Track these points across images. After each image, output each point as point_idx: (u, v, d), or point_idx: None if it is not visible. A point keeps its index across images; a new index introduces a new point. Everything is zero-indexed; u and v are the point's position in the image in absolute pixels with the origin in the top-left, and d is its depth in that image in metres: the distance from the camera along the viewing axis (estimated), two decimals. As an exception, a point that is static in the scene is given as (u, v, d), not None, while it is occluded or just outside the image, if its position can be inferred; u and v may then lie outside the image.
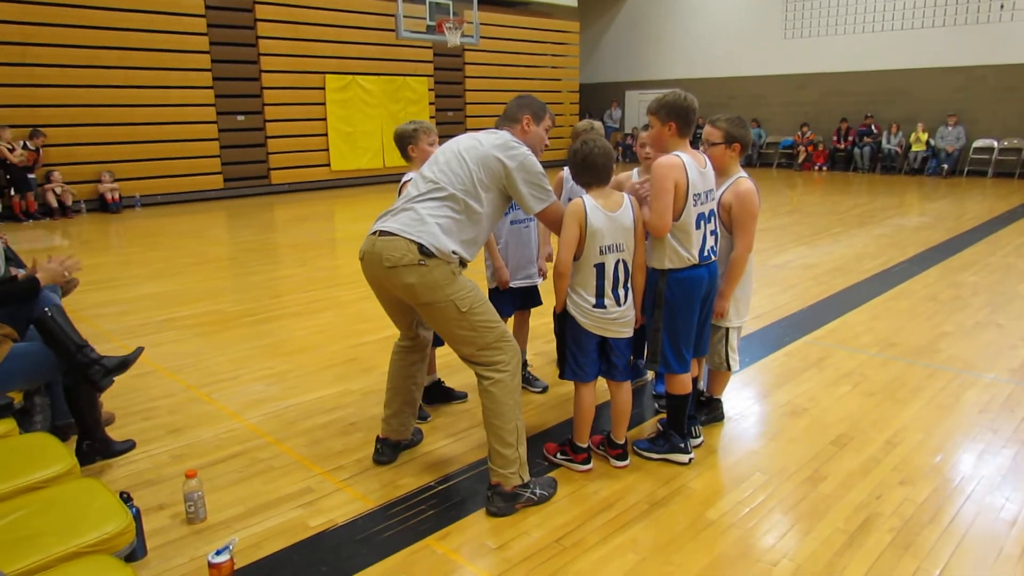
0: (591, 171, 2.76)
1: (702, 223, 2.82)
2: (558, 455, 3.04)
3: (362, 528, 2.60)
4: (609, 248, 2.74)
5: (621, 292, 2.81)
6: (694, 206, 2.76)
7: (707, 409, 3.43)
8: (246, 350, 4.59)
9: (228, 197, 12.45)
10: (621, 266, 2.78)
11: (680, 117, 2.76)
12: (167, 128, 11.52)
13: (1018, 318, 5.00)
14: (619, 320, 2.84)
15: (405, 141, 3.39)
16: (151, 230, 9.42)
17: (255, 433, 3.40)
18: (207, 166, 12.11)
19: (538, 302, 3.71)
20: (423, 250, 2.52)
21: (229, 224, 10.07)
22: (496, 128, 2.83)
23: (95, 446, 3.08)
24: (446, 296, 2.55)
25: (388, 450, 3.07)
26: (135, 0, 10.90)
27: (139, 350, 3.17)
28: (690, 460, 3.02)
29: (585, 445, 2.98)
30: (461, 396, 3.71)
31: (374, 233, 2.66)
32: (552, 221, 2.78)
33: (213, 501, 2.76)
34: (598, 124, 3.56)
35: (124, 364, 3.08)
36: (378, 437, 3.09)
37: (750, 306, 3.30)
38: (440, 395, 3.69)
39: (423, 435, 3.30)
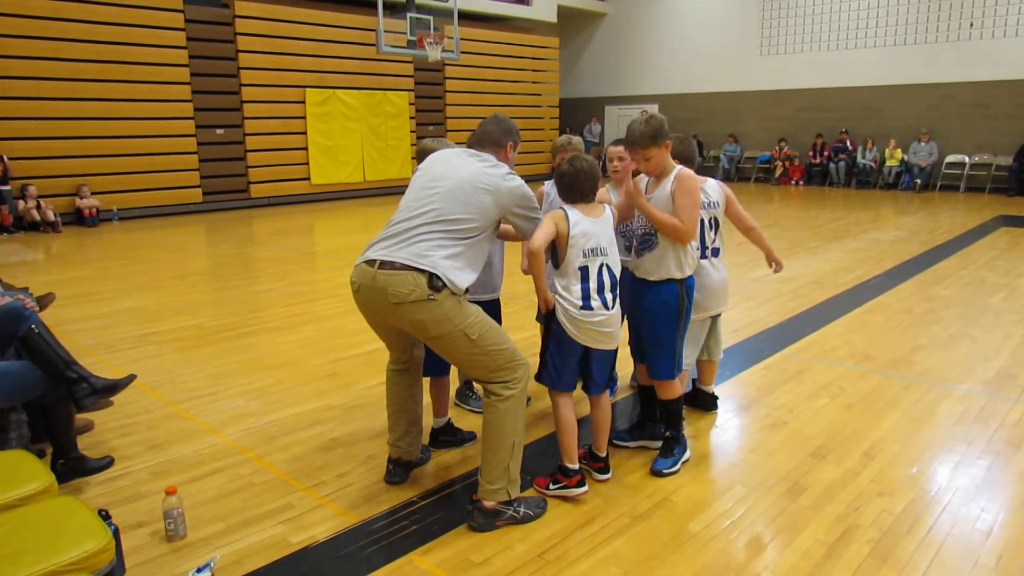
0: (578, 190, 2.82)
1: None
2: (550, 486, 2.91)
3: (344, 544, 2.58)
4: (593, 251, 2.79)
5: (608, 296, 2.83)
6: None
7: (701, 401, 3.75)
8: (226, 365, 4.55)
9: (207, 211, 12.35)
10: (606, 270, 2.82)
11: (667, 135, 2.92)
12: (145, 141, 11.43)
13: (990, 330, 5.10)
14: (603, 325, 2.81)
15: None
16: (129, 244, 9.32)
17: (235, 449, 3.36)
18: (186, 179, 12.02)
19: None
20: (433, 283, 2.47)
21: (208, 238, 9.99)
22: (475, 148, 2.83)
23: (70, 464, 3.03)
24: (455, 327, 2.53)
25: (400, 470, 3.03)
26: (113, 13, 10.85)
27: (131, 377, 3.14)
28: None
29: (575, 466, 2.88)
30: (471, 437, 3.43)
31: (370, 262, 2.56)
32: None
33: (193, 518, 2.73)
34: (576, 139, 3.61)
35: (113, 388, 3.05)
36: (389, 458, 3.03)
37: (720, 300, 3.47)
38: (450, 437, 3.40)
39: (431, 453, 3.28)
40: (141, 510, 2.81)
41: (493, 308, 3.47)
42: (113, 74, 10.94)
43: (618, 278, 2.86)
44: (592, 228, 2.79)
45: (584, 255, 2.78)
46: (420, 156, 3.20)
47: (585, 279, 2.79)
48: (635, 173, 3.11)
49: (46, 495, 2.16)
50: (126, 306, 6.04)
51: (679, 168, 2.99)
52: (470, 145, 2.88)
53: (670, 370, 3.04)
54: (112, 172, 11.18)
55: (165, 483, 2.98)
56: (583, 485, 2.89)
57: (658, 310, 2.99)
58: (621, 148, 3.41)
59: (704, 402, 3.74)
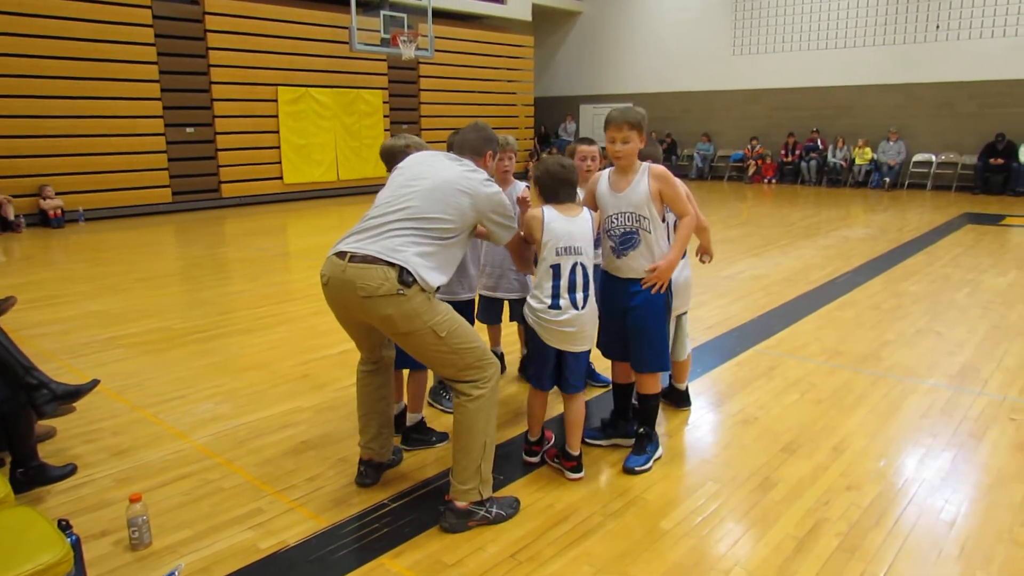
0: (553, 191, 2.88)
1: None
2: (554, 460, 3.12)
3: (315, 548, 2.55)
4: (566, 250, 2.81)
5: (579, 296, 2.83)
6: None
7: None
8: (195, 368, 4.47)
9: (177, 211, 12.16)
10: (579, 269, 2.82)
11: (646, 130, 2.98)
12: (112, 140, 11.21)
13: (955, 326, 5.19)
14: (569, 325, 2.83)
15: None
16: (95, 245, 9.14)
17: (203, 454, 3.31)
18: (154, 179, 11.82)
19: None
20: (403, 277, 2.45)
21: (178, 239, 9.84)
22: (455, 153, 2.84)
23: (30, 473, 2.95)
24: (424, 324, 2.50)
25: (371, 472, 2.99)
26: (80, 9, 10.63)
27: (94, 382, 3.07)
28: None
29: (535, 438, 3.14)
30: (443, 438, 3.38)
31: (341, 255, 2.55)
32: (513, 249, 2.91)
33: (159, 525, 2.68)
34: (513, 139, 3.64)
35: (75, 394, 2.98)
36: (361, 460, 3.00)
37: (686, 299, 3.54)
38: (421, 436, 3.37)
39: (403, 455, 3.25)
40: (105, 519, 2.75)
41: (466, 308, 3.46)
42: (79, 71, 10.71)
43: (589, 279, 2.86)
44: (567, 227, 2.82)
45: (557, 253, 2.81)
46: (384, 155, 3.18)
47: (556, 277, 2.82)
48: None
49: (1, 506, 2.09)
50: (92, 309, 5.92)
51: (647, 164, 3.00)
52: (449, 150, 2.90)
53: (662, 361, 3.06)
54: (78, 172, 10.95)
55: (130, 490, 2.92)
56: (578, 472, 3.00)
57: (647, 307, 2.99)
58: (592, 148, 3.43)
59: (677, 399, 3.76)
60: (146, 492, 2.91)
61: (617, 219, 2.99)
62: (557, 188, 2.87)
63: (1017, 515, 2.73)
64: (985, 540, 2.57)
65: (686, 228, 2.99)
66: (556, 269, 2.82)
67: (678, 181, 3.07)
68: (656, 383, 3.12)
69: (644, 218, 2.94)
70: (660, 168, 2.98)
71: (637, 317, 3.01)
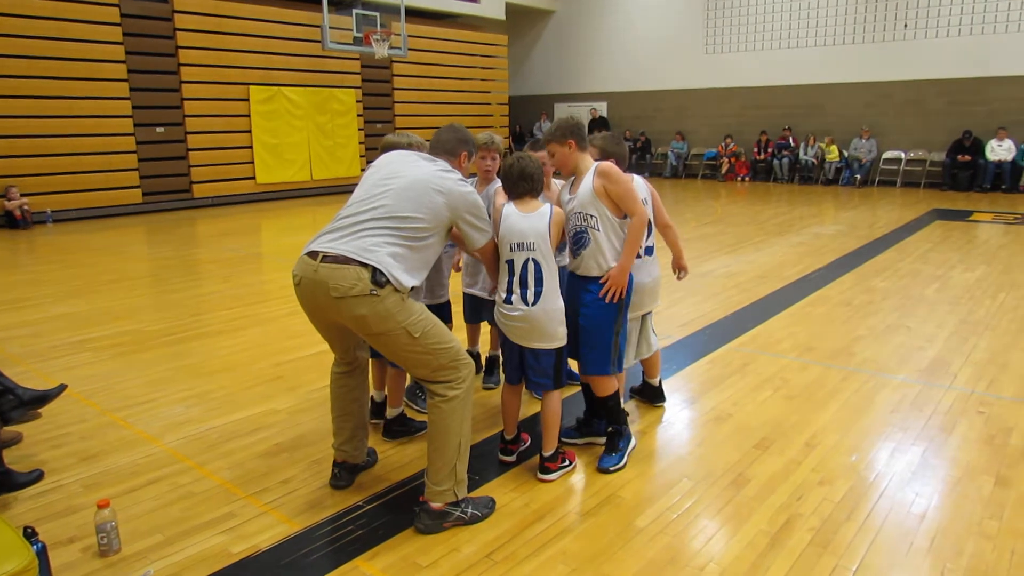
0: (512, 188, 2.92)
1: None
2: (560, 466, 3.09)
3: (288, 552, 2.52)
4: (519, 246, 2.84)
5: (530, 293, 2.84)
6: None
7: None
8: (166, 371, 4.40)
9: (147, 212, 11.97)
10: (531, 265, 2.83)
11: (574, 134, 2.99)
12: (80, 140, 10.99)
13: (925, 321, 5.28)
14: (519, 320, 2.86)
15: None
16: (64, 247, 8.96)
17: (174, 457, 3.26)
18: (124, 179, 11.61)
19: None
20: (376, 277, 2.42)
21: (148, 240, 9.68)
22: (430, 155, 2.82)
23: (-4, 480, 2.89)
24: (398, 324, 2.48)
25: (345, 474, 2.97)
26: (44, 7, 10.41)
27: (61, 387, 3.01)
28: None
29: (511, 436, 3.16)
30: (422, 427, 3.39)
31: (313, 255, 2.52)
32: (487, 254, 2.88)
33: (128, 531, 2.63)
34: (499, 138, 3.66)
35: (42, 399, 2.92)
36: (335, 462, 2.98)
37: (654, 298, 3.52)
38: (401, 427, 3.43)
39: (378, 456, 3.22)
40: (73, 525, 2.70)
41: (443, 310, 3.47)
42: (45, 70, 10.48)
43: (543, 275, 2.84)
44: (521, 223, 2.85)
45: (511, 249, 2.86)
46: (384, 151, 3.15)
47: (511, 272, 2.87)
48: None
49: (-36, 514, 2.04)
50: (60, 312, 5.80)
51: (597, 163, 3.01)
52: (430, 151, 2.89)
53: (604, 366, 3.05)
54: (46, 172, 10.72)
55: (99, 496, 2.87)
56: (546, 473, 3.02)
57: (595, 308, 2.99)
58: (542, 153, 3.41)
59: (651, 395, 3.78)
60: (115, 497, 2.86)
61: (571, 219, 3.01)
62: (514, 184, 2.89)
63: (986, 508, 2.78)
64: (955, 533, 2.62)
65: (634, 230, 2.94)
66: (510, 264, 2.86)
67: (632, 179, 3.06)
68: (606, 385, 3.09)
69: (592, 216, 2.95)
70: (606, 165, 2.98)
71: (584, 317, 3.01)
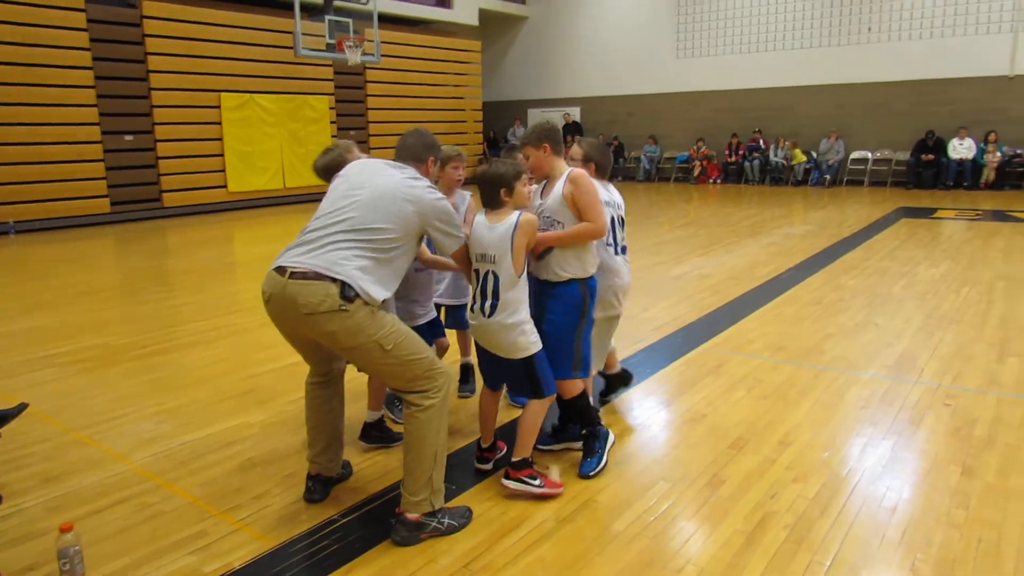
0: (482, 192, 2.88)
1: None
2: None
3: (262, 570, 2.48)
4: (481, 257, 2.83)
5: (488, 304, 2.83)
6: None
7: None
8: (134, 386, 4.32)
9: (116, 221, 11.76)
10: (490, 277, 2.82)
11: (549, 138, 2.98)
12: (45, 148, 10.77)
13: (893, 318, 5.37)
14: (477, 331, 2.91)
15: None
16: (27, 258, 8.77)
17: (143, 476, 3.19)
18: (91, 189, 11.40)
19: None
20: (345, 292, 2.38)
21: (117, 250, 9.51)
22: (398, 160, 2.80)
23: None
24: (369, 338, 2.45)
25: (320, 487, 2.92)
26: (8, 12, 10.19)
27: (22, 406, 2.93)
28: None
29: (487, 444, 3.14)
30: (399, 438, 3.30)
31: (281, 270, 2.47)
32: (460, 260, 2.84)
33: (93, 555, 2.56)
34: (460, 149, 3.67)
35: (1, 419, 2.83)
36: (309, 475, 2.93)
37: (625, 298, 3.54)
38: (379, 433, 3.42)
39: (352, 468, 3.18)
40: (33, 551, 2.61)
41: (434, 324, 3.48)
42: (9, 76, 10.28)
43: (499, 289, 2.80)
44: (484, 234, 2.82)
45: (476, 259, 2.85)
46: (321, 172, 3.13)
47: (477, 281, 2.87)
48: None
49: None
50: (24, 326, 5.66)
51: (571, 169, 3.02)
52: (396, 158, 2.86)
53: (566, 370, 3.03)
54: (8, 182, 10.49)
55: (62, 519, 2.79)
56: (507, 478, 2.95)
57: (560, 311, 2.99)
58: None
59: (611, 383, 3.80)
60: (80, 519, 2.79)
61: (541, 224, 3.00)
62: (484, 188, 2.87)
63: (953, 498, 2.83)
64: (925, 524, 2.66)
65: (584, 230, 2.91)
66: (477, 274, 2.87)
67: (598, 190, 3.03)
68: (571, 387, 3.08)
69: (559, 224, 2.95)
70: (578, 172, 2.99)
71: (549, 323, 3.01)
